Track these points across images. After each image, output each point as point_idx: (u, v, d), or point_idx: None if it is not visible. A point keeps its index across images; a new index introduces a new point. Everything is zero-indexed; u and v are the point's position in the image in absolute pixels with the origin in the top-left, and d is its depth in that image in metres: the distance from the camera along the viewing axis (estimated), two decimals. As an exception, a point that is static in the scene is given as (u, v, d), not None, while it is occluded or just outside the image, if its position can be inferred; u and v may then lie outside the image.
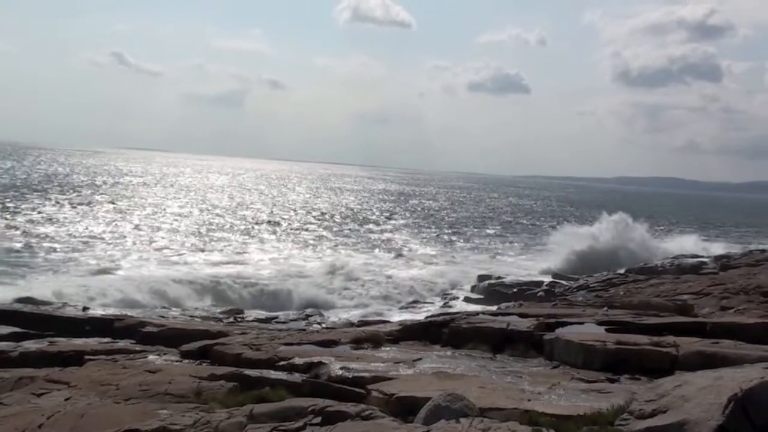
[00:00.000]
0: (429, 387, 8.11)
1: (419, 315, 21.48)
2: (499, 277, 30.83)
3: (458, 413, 6.44)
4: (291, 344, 11.61)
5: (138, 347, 12.62)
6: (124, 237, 35.61)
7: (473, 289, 28.72)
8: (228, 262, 30.66)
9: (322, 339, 12.17)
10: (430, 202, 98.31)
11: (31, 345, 12.61)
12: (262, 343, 11.64)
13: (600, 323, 12.43)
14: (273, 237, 41.79)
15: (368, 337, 11.87)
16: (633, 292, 23.44)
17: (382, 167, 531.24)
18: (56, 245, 30.94)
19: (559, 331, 11.46)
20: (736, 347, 9.62)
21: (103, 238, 34.32)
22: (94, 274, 25.25)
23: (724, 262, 32.82)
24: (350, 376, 8.94)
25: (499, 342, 11.40)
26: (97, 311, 18.23)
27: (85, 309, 18.54)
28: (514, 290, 27.81)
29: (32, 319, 15.26)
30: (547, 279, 30.86)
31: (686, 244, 44.22)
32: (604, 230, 41.26)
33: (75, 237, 33.90)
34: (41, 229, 35.51)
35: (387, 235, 47.37)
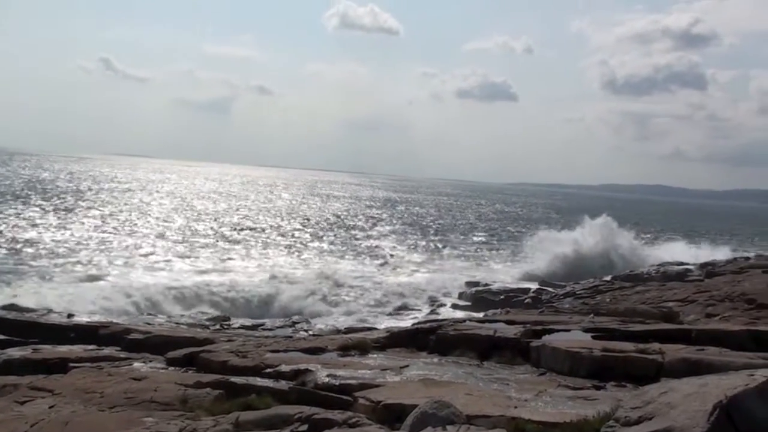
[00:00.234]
0: (416, 394, 8.11)
1: (406, 322, 21.46)
2: (486, 284, 30.85)
3: (445, 420, 6.43)
4: (277, 351, 11.58)
5: (123, 354, 12.53)
6: (110, 243, 35.40)
7: (460, 295, 28.72)
8: (214, 269, 30.54)
9: (309, 346, 12.15)
10: (418, 208, 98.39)
11: (14, 352, 12.49)
12: (248, 351, 11.60)
13: (586, 330, 12.48)
14: (259, 244, 41.66)
15: (355, 344, 11.85)
16: (619, 299, 23.53)
17: (371, 174, 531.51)
18: (40, 252, 30.73)
19: (546, 338, 11.49)
20: (721, 354, 9.68)
21: (87, 245, 34.10)
22: (79, 281, 25.08)
23: (709, 270, 32.98)
24: (337, 384, 8.93)
25: (486, 349, 11.41)
26: (82, 318, 18.10)
27: (69, 316, 18.41)
28: (501, 297, 27.84)
29: (16, 326, 15.12)
30: (534, 286, 30.92)
31: (674, 251, 44.38)
32: (588, 234, 41.33)
33: (59, 243, 33.68)
34: (25, 235, 35.25)
35: (374, 241, 47.35)
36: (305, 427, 7.24)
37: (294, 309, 24.13)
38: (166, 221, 49.67)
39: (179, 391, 8.91)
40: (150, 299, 22.72)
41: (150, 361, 11.64)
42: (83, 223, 43.33)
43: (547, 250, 38.00)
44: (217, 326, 19.88)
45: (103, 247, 33.97)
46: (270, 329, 19.84)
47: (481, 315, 20.69)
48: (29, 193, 64.66)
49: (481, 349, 11.41)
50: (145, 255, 32.86)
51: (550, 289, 30.05)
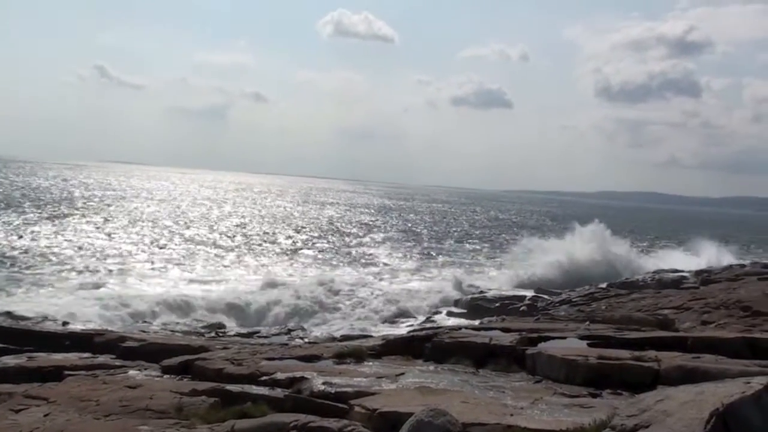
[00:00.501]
0: (412, 402, 8.09)
1: (402, 329, 21.45)
2: (482, 292, 30.89)
3: (441, 429, 6.42)
4: (273, 359, 11.55)
5: (118, 362, 12.49)
6: (104, 251, 35.32)
7: (456, 303, 28.73)
8: (209, 277, 30.52)
9: (305, 354, 12.12)
10: (413, 216, 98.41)
11: (9, 360, 12.43)
12: (243, 358, 11.57)
13: (582, 338, 12.47)
14: (254, 251, 41.63)
15: (351, 351, 11.82)
16: (615, 307, 23.55)
17: (366, 181, 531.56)
18: (35, 259, 30.64)
19: (542, 346, 11.48)
20: (717, 362, 9.67)
21: (82, 253, 34.03)
22: (74, 288, 25.01)
23: (704, 277, 33.06)
24: (333, 391, 8.90)
25: (481, 356, 11.39)
26: (76, 326, 18.07)
27: (64, 324, 18.38)
28: (497, 304, 27.87)
29: (11, 333, 15.05)
30: (530, 293, 30.96)
31: (672, 258, 44.44)
32: (579, 242, 41.31)
33: (54, 251, 33.59)
34: (19, 243, 35.15)
35: (369, 249, 47.34)
36: (301, 435, 7.22)
37: (289, 316, 24.11)
38: (160, 229, 49.60)
39: (174, 399, 8.88)
40: (145, 307, 22.65)
41: (145, 369, 11.60)
42: (77, 231, 43.25)
43: (538, 258, 37.99)
44: (213, 334, 19.84)
45: (97, 254, 33.90)
46: (265, 337, 19.82)
47: (476, 322, 20.70)
48: (22, 200, 64.49)
49: (477, 356, 11.38)
50: (140, 262, 32.80)
51: (545, 297, 30.11)
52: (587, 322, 15.52)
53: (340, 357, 11.54)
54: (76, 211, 57.57)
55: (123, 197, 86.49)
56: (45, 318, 19.00)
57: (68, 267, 29.43)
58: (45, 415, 8.39)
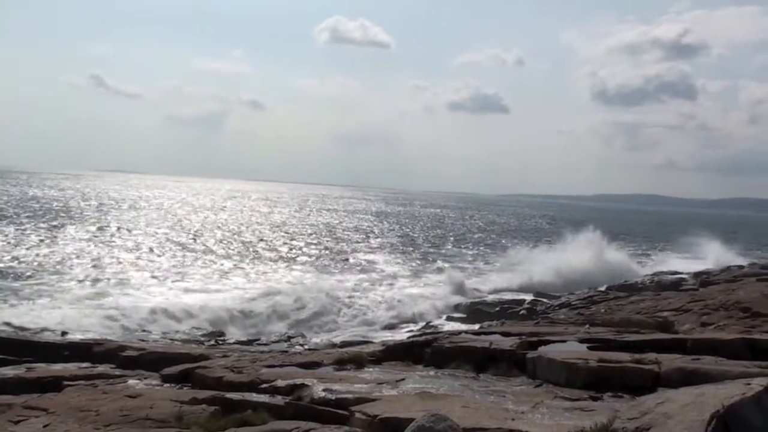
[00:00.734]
0: (412, 408, 8.09)
1: (401, 335, 21.44)
2: (481, 296, 30.88)
3: (442, 434, 6.40)
4: (273, 366, 11.54)
5: (118, 372, 12.46)
6: (102, 260, 35.24)
7: (455, 308, 28.72)
8: (207, 284, 30.45)
9: (305, 361, 12.11)
10: (411, 221, 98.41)
11: (8, 371, 12.39)
12: (243, 366, 11.56)
13: (582, 341, 12.47)
14: (253, 258, 41.58)
15: (351, 358, 11.82)
16: (614, 310, 23.57)
17: (364, 187, 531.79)
18: (32, 269, 30.56)
19: (542, 350, 11.48)
20: (717, 363, 9.68)
21: (80, 262, 33.95)
22: (72, 298, 24.94)
23: (703, 279, 33.11)
24: (333, 398, 8.89)
25: (482, 361, 11.39)
26: (75, 336, 18.02)
27: (63, 334, 18.34)
28: (497, 309, 27.88)
29: (9, 344, 15.01)
30: (529, 297, 30.97)
31: (673, 262, 44.42)
32: (573, 251, 41.11)
33: (51, 261, 33.52)
34: (16, 253, 35.07)
35: (367, 255, 47.29)
36: (302, 442, 7.21)
37: (289, 324, 24.08)
38: (158, 237, 49.53)
39: (175, 407, 8.86)
40: (144, 316, 22.60)
41: (145, 378, 11.58)
42: (74, 241, 43.13)
43: (538, 267, 37.89)
44: (212, 342, 19.82)
45: (95, 264, 33.81)
46: (265, 344, 19.81)
47: (476, 327, 20.70)
48: (19, 211, 64.37)
49: (477, 361, 11.38)
50: (138, 271, 32.73)
51: (545, 300, 30.12)
52: (587, 326, 15.54)
53: (341, 363, 11.53)
54: (72, 221, 57.47)
55: (120, 206, 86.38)
56: (44, 328, 18.94)
57: (66, 277, 29.36)
58: (44, 426, 8.37)
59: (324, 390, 9.21)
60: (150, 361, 13.22)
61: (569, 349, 11.57)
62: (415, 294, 31.07)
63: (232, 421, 8.20)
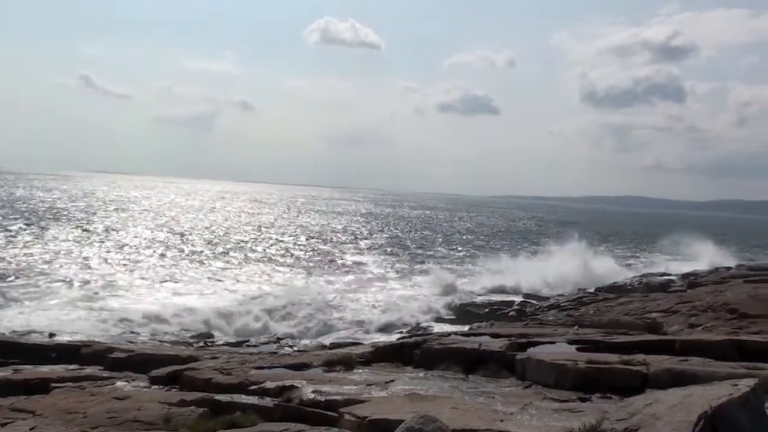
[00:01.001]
0: (402, 409, 8.08)
1: (391, 336, 21.43)
2: (471, 297, 30.92)
3: (431, 435, 6.40)
4: (262, 368, 11.51)
5: (106, 374, 12.41)
6: (90, 261, 35.08)
7: (445, 309, 28.72)
8: (197, 285, 30.37)
9: (294, 362, 12.09)
10: (401, 222, 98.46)
11: (-6, 373, 12.34)
12: (232, 368, 11.52)
13: (571, 342, 12.52)
14: (242, 260, 41.49)
15: (340, 359, 11.80)
16: (603, 311, 23.66)
17: (354, 188, 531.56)
18: (19, 271, 30.35)
19: (531, 351, 11.50)
20: (704, 364, 9.73)
21: (67, 264, 33.77)
22: (60, 300, 24.81)
23: (691, 280, 33.28)
24: (322, 400, 8.87)
25: (471, 362, 11.40)
26: (63, 337, 17.93)
27: (51, 335, 18.24)
28: (486, 310, 27.93)
29: (-4, 346, 14.94)
30: (518, 299, 31.04)
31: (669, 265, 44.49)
32: (558, 262, 40.97)
33: (38, 263, 33.33)
34: (1, 254, 34.84)
35: (357, 257, 47.29)
36: (291, 444, 7.19)
37: (278, 325, 24.02)
38: (147, 238, 49.34)
39: (163, 409, 8.83)
40: (132, 317, 22.50)
41: (133, 380, 11.53)
42: (62, 242, 42.90)
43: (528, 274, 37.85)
44: (201, 343, 19.77)
45: (83, 265, 33.65)
46: (254, 346, 19.78)
47: (466, 328, 20.73)
48: (7, 212, 63.93)
49: (467, 362, 11.39)
50: (126, 272, 32.59)
51: (534, 302, 30.22)
52: (576, 327, 15.57)
53: (330, 365, 11.52)
54: (60, 222, 57.17)
55: (108, 207, 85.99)
56: (31, 330, 18.83)
57: (53, 278, 29.16)
58: (31, 429, 8.32)
59: (313, 391, 9.20)
60: (138, 362, 13.18)
61: (558, 351, 11.61)
62: (404, 295, 31.08)
63: (220, 423, 8.18)
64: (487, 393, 9.44)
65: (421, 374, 11.00)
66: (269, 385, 9.87)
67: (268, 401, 9.12)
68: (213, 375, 10.90)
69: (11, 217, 58.55)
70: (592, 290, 32.88)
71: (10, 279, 28.42)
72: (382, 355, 12.53)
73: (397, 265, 43.29)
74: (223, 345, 19.65)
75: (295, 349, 18.75)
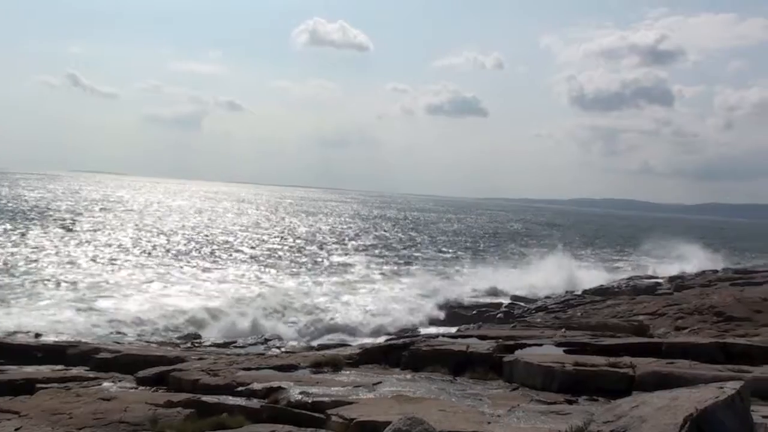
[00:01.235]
0: (389, 411, 8.09)
1: (379, 338, 21.42)
2: (458, 299, 30.94)
3: (418, 437, 6.40)
4: (250, 369, 11.49)
5: (92, 374, 12.33)
6: (76, 262, 34.89)
7: (433, 311, 28.69)
8: (184, 286, 30.24)
9: (282, 363, 12.07)
10: (390, 224, 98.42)
11: (-21, 374, 12.23)
12: (220, 369, 11.49)
13: (558, 344, 12.57)
14: (229, 261, 41.35)
15: (328, 360, 11.80)
16: (590, 313, 23.76)
17: (343, 190, 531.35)
18: (3, 272, 30.12)
19: (519, 353, 11.54)
20: (691, 367, 9.79)
21: (54, 264, 33.56)
22: (46, 300, 24.66)
23: (678, 283, 33.48)
24: (310, 401, 8.87)
25: (458, 364, 11.43)
26: (49, 338, 17.81)
27: (37, 336, 18.12)
28: (474, 312, 27.97)
29: (-19, 347, 14.81)
30: (506, 301, 31.09)
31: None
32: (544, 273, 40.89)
33: (24, 263, 33.11)
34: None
35: (345, 258, 47.21)
36: (278, 445, 7.18)
37: (266, 326, 23.95)
38: (133, 239, 49.11)
39: (149, 410, 8.79)
40: (118, 318, 22.39)
41: (119, 381, 11.47)
42: (48, 242, 42.64)
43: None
44: (188, 344, 19.68)
45: (69, 265, 33.45)
46: (242, 347, 19.71)
47: (453, 330, 20.76)
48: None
49: (454, 364, 11.42)
50: (113, 272, 32.42)
51: (522, 304, 30.29)
52: (563, 329, 15.63)
53: (318, 366, 11.51)
54: (47, 222, 56.82)
55: (94, 207, 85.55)
56: (16, 331, 18.70)
57: (38, 278, 28.96)
58: (16, 429, 8.27)
59: (300, 393, 9.19)
60: (125, 363, 13.10)
61: (546, 353, 11.65)
62: (392, 297, 31.06)
63: (207, 424, 8.16)
64: (475, 395, 9.46)
65: (409, 376, 11.01)
66: (256, 386, 9.86)
67: (255, 402, 9.11)
68: (200, 376, 10.87)
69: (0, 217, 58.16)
70: (579, 292, 33.00)
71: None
72: (370, 357, 12.54)
73: (385, 267, 43.26)
74: (210, 346, 19.57)
75: (283, 350, 18.70)
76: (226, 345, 19.94)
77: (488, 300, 31.25)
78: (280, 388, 9.60)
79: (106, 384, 11.16)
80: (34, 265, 32.47)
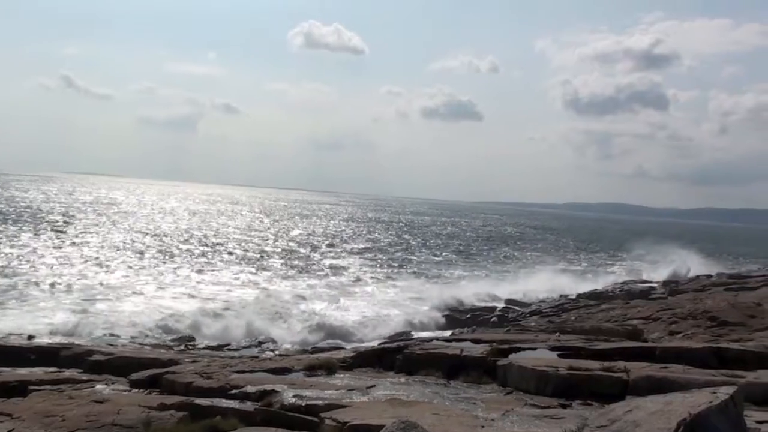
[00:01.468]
0: (383, 414, 8.08)
1: (373, 341, 21.40)
2: (453, 303, 30.93)
3: (412, 441, 6.39)
4: (243, 372, 11.46)
5: (85, 377, 12.29)
6: (70, 264, 34.79)
7: (427, 314, 28.68)
8: (178, 288, 30.19)
9: (275, 366, 12.05)
10: (384, 228, 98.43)
11: (-28, 376, 12.18)
12: (213, 371, 11.47)
13: (552, 348, 12.56)
14: (224, 263, 41.31)
15: (322, 363, 11.79)
16: (584, 318, 23.79)
17: (338, 193, 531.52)
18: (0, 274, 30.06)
19: (513, 357, 11.53)
20: (684, 372, 9.80)
21: (48, 266, 33.47)
22: (40, 302, 24.59)
23: (672, 287, 33.55)
24: (303, 404, 8.85)
25: (452, 368, 11.42)
26: (42, 340, 17.75)
27: (29, 338, 18.06)
28: (468, 316, 27.98)
29: (-27, 349, 14.76)
30: (501, 304, 31.09)
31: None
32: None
33: (19, 265, 33.02)
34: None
35: (340, 261, 47.22)
36: (271, 449, 7.16)
37: (260, 329, 23.91)
38: (128, 241, 49.02)
39: (143, 413, 8.77)
40: (112, 320, 22.33)
41: (113, 383, 11.44)
42: (42, 244, 42.55)
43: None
44: (182, 347, 19.65)
45: (62, 267, 33.35)
46: (236, 349, 19.67)
47: (447, 333, 20.76)
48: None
49: (448, 368, 11.41)
50: (106, 275, 32.34)
51: (516, 308, 30.29)
52: (557, 333, 15.63)
53: (311, 369, 11.49)
54: (41, 224, 56.67)
55: (88, 209, 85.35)
56: (9, 333, 18.64)
57: (32, 280, 28.87)
58: (9, 431, 8.23)
59: (294, 396, 9.18)
60: (118, 366, 13.07)
61: (540, 357, 11.64)
62: (386, 300, 31.06)
63: (200, 427, 8.14)
64: (468, 399, 9.45)
65: (403, 379, 11.00)
66: (250, 389, 9.84)
67: (249, 405, 9.09)
68: (193, 379, 10.84)
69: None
70: (573, 297, 33.04)
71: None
72: (363, 360, 12.53)
73: (379, 270, 43.28)
74: (204, 348, 19.55)
75: (277, 353, 18.69)
76: (219, 348, 19.91)
77: (482, 304, 31.24)
78: (273, 391, 9.58)
79: (99, 386, 11.13)
80: (27, 267, 32.38)
